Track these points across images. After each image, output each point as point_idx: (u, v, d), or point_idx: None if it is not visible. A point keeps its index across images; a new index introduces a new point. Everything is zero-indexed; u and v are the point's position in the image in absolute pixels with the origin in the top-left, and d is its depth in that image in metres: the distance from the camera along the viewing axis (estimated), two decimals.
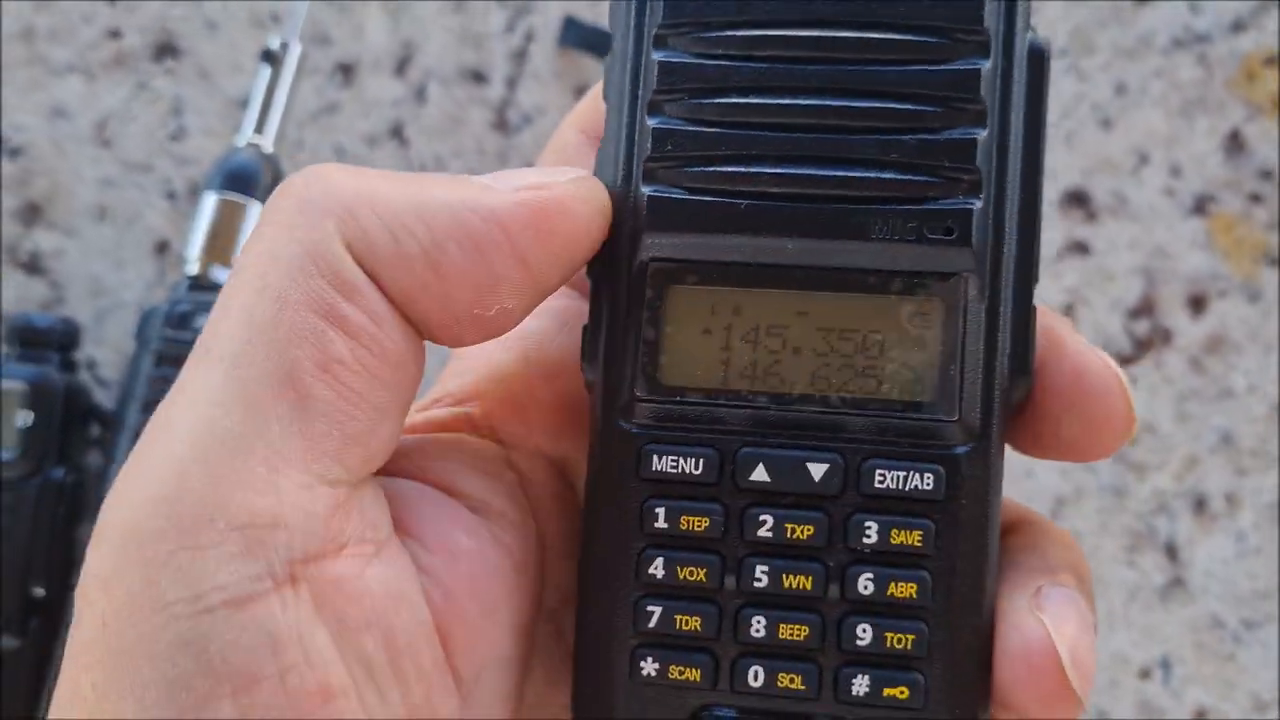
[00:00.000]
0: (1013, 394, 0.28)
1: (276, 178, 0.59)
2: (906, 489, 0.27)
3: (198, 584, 0.24)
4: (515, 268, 0.26)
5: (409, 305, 0.26)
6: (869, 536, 0.27)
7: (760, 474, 0.28)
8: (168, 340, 0.55)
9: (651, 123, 0.28)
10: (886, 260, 0.27)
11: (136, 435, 0.53)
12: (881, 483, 0.27)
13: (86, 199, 0.65)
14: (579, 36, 0.65)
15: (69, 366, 0.59)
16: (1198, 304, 0.64)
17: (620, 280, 0.28)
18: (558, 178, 0.27)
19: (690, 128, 0.28)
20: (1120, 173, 0.65)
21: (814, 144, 0.28)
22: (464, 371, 0.32)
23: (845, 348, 0.28)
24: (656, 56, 0.28)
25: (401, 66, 0.66)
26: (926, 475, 0.27)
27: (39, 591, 0.55)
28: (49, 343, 0.58)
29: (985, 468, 0.28)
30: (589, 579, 0.29)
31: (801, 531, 0.28)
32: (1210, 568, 0.62)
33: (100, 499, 0.53)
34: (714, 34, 0.28)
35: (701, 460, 0.28)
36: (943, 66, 0.28)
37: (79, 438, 0.58)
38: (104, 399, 0.62)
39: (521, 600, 0.29)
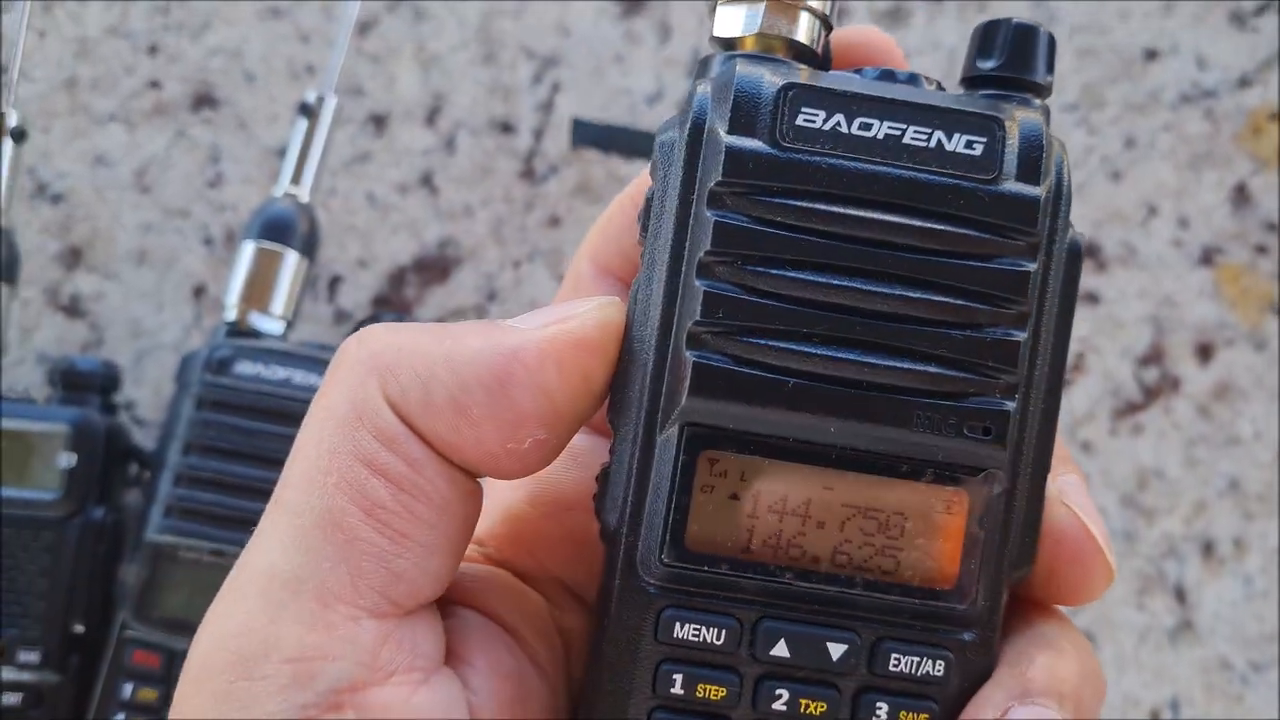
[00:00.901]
0: (1014, 577, 0.29)
1: (312, 226, 0.61)
2: (918, 674, 0.28)
3: (249, 712, 0.26)
4: (539, 401, 0.28)
5: (447, 449, 0.28)
6: (879, 717, 0.28)
7: (781, 649, 0.28)
8: (207, 385, 0.56)
9: (701, 285, 0.28)
10: (923, 450, 0.28)
11: (176, 476, 0.56)
12: (895, 666, 0.28)
13: (126, 244, 0.67)
14: (588, 136, 0.67)
15: (110, 409, 0.61)
16: (1205, 352, 0.65)
17: (651, 436, 0.28)
18: (578, 309, 0.29)
19: (742, 296, 0.27)
20: (1129, 224, 0.67)
21: (866, 329, 0.27)
22: (481, 513, 0.34)
23: (869, 528, 0.28)
24: (711, 215, 0.28)
25: (432, 117, 0.68)
26: (938, 661, 0.28)
27: (79, 628, 0.57)
28: (91, 385, 0.60)
29: (987, 652, 0.29)
30: None
31: (815, 707, 0.28)
32: (1219, 610, 0.63)
33: (140, 539, 0.55)
34: (774, 200, 0.27)
35: (723, 630, 0.28)
36: (993, 265, 0.28)
37: (119, 478, 0.60)
38: (142, 439, 0.64)
39: (553, 716, 0.31)
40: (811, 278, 0.28)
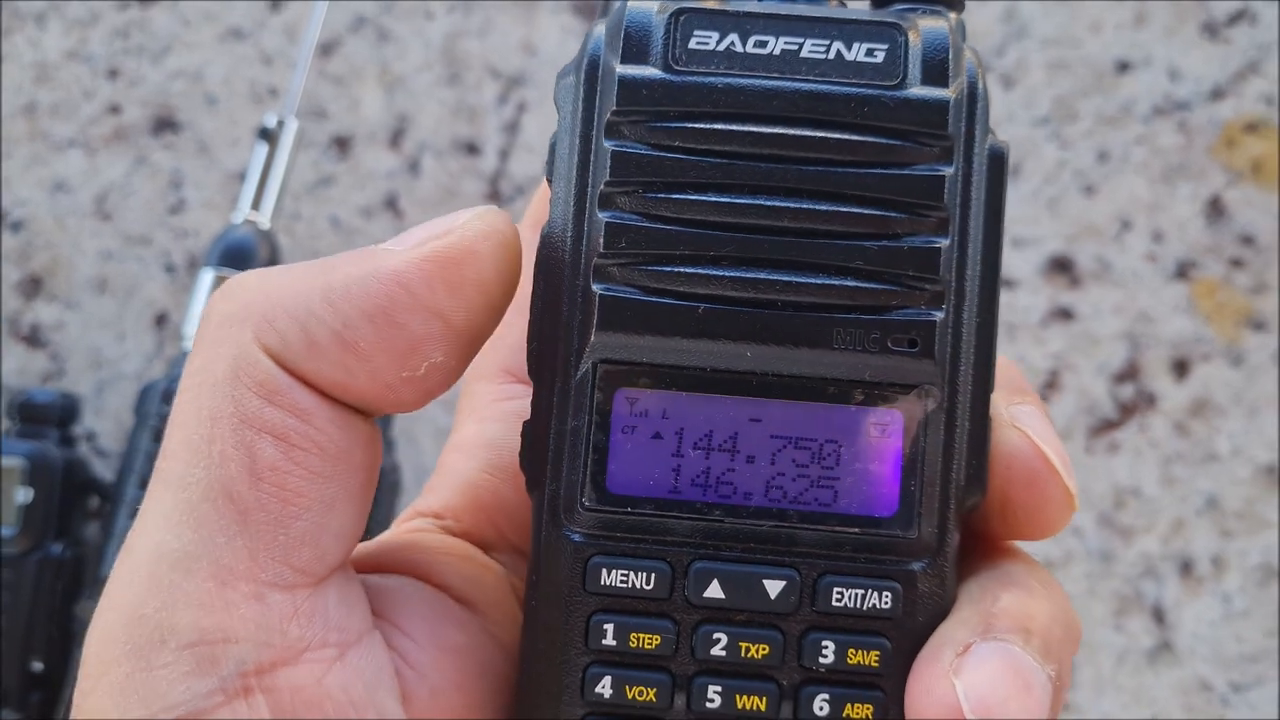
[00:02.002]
0: (966, 502, 0.28)
1: (273, 253, 0.60)
2: (863, 608, 0.27)
3: (150, 704, 0.25)
4: (431, 323, 0.26)
5: (340, 390, 0.27)
6: (825, 656, 0.27)
7: (715, 590, 0.27)
8: (164, 417, 0.55)
9: (604, 217, 0.27)
10: (847, 370, 0.27)
11: (134, 511, 0.54)
12: (839, 601, 0.27)
13: (87, 272, 0.67)
14: None
15: (68, 441, 0.60)
16: (1181, 368, 0.65)
17: (567, 380, 0.27)
18: (457, 220, 0.27)
19: (645, 224, 0.27)
20: (1103, 239, 0.66)
21: (775, 247, 0.27)
22: (436, 486, 0.33)
23: (801, 457, 0.27)
24: (609, 145, 0.27)
25: (396, 139, 0.68)
26: (884, 594, 0.27)
27: (38, 666, 0.56)
28: (48, 418, 0.59)
29: (941, 582, 0.27)
30: (529, 696, 0.28)
31: (756, 650, 0.27)
32: (1198, 630, 0.62)
33: (100, 574, 0.54)
34: (670, 125, 0.27)
35: (653, 575, 0.27)
36: (906, 171, 0.27)
37: (78, 512, 0.59)
38: (103, 470, 0.63)
39: (510, 692, 0.29)
40: (714, 199, 0.27)
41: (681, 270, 0.27)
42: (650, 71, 0.27)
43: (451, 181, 0.67)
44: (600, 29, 0.28)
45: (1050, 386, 0.65)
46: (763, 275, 0.27)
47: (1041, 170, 0.67)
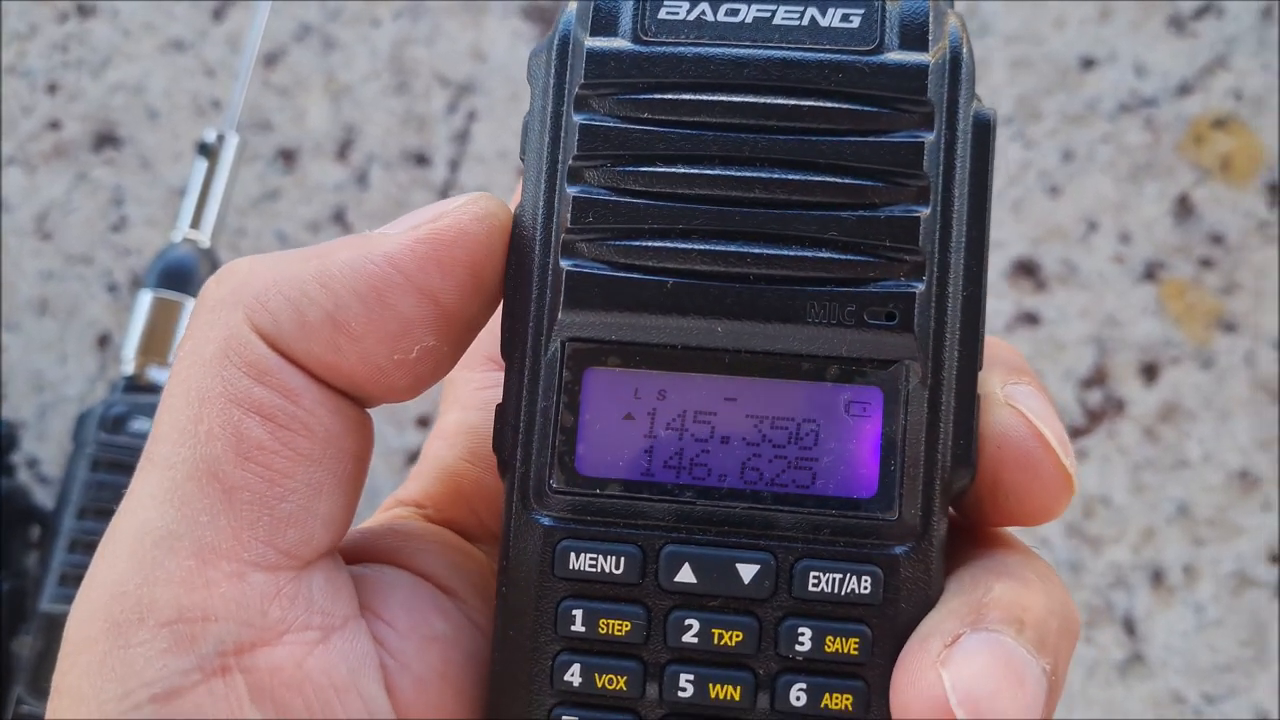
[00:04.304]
0: (954, 485, 0.27)
1: (214, 271, 0.59)
2: (842, 593, 0.26)
3: (126, 682, 0.25)
4: (423, 305, 0.26)
5: (331, 373, 0.27)
6: (802, 644, 0.26)
7: (686, 574, 0.26)
8: (102, 444, 0.54)
9: (571, 191, 0.27)
10: (822, 345, 0.26)
11: (72, 542, 0.53)
12: (815, 586, 0.26)
13: (27, 292, 0.65)
14: None
15: (7, 470, 0.58)
16: (1150, 372, 0.63)
17: (536, 361, 0.27)
18: (450, 205, 0.27)
19: (613, 198, 0.27)
20: (1069, 240, 0.64)
21: (746, 219, 0.26)
22: (418, 475, 0.32)
23: (777, 437, 0.27)
24: (577, 119, 0.27)
25: (343, 150, 0.66)
26: (864, 578, 0.26)
27: None
28: None
29: (926, 568, 0.26)
30: (498, 684, 0.27)
31: (730, 637, 0.26)
32: (1170, 641, 0.61)
33: (39, 608, 0.53)
34: (638, 96, 0.27)
35: (623, 559, 0.26)
36: (884, 138, 0.26)
37: (17, 542, 0.57)
38: (45, 498, 0.61)
39: None
40: (684, 170, 0.26)
41: (650, 244, 0.26)
42: (619, 44, 0.27)
43: (401, 193, 0.65)
44: (573, 5, 0.28)
45: None
46: (734, 248, 0.26)
47: (1005, 171, 0.65)
